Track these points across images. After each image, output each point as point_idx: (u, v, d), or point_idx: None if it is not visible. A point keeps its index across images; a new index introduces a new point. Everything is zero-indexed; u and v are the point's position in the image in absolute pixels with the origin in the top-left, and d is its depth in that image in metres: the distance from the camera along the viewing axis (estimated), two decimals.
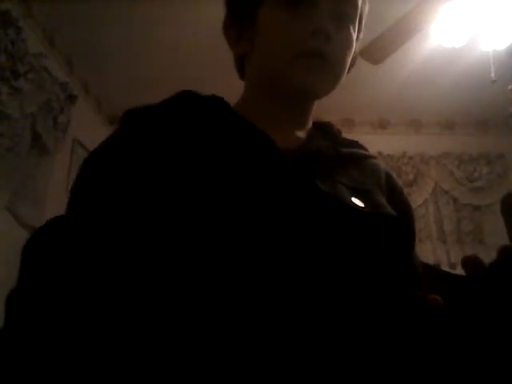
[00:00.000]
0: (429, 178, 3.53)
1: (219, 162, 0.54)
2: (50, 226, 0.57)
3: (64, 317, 0.49)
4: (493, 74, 2.16)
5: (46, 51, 2.49)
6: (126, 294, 0.50)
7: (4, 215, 2.21)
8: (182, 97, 0.63)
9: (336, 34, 0.60)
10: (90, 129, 3.19)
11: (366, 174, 0.65)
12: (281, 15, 0.60)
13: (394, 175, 0.72)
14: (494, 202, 3.39)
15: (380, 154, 3.54)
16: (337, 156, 0.64)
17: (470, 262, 0.39)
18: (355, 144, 0.71)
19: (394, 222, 0.61)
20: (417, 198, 3.48)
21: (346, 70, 0.66)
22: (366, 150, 0.71)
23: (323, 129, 0.70)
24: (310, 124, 0.70)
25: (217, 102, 0.63)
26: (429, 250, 3.39)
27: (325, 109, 3.63)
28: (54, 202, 2.54)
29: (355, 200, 0.57)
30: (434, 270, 0.42)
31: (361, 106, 3.41)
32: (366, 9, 0.68)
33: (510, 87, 2.48)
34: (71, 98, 2.71)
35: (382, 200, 0.62)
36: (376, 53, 2.26)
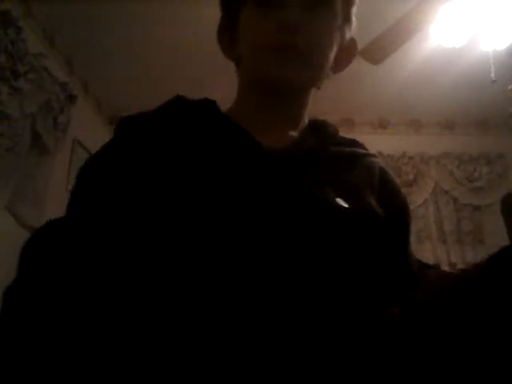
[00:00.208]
0: (429, 178, 3.53)
1: (207, 164, 0.55)
2: (48, 227, 0.58)
3: (60, 315, 0.49)
4: (493, 74, 2.16)
5: (45, 51, 2.49)
6: (121, 292, 0.50)
7: (4, 215, 2.21)
8: (174, 103, 0.65)
9: (308, 23, 0.60)
10: (90, 129, 3.19)
11: (359, 172, 0.64)
12: (253, 15, 0.63)
13: (391, 173, 0.70)
14: (493, 202, 3.39)
15: (380, 153, 3.54)
16: (328, 155, 0.64)
17: None
18: (353, 143, 0.71)
19: (383, 221, 0.59)
20: (417, 198, 3.48)
21: (329, 57, 0.65)
22: (364, 148, 0.71)
23: (318, 127, 0.70)
24: (304, 122, 0.70)
25: (207, 105, 0.65)
26: (429, 250, 3.39)
27: (325, 109, 3.63)
28: (54, 202, 2.54)
29: (339, 200, 0.56)
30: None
31: (361, 105, 3.41)
32: None
33: (510, 87, 2.48)
34: (71, 98, 2.72)
35: (370, 200, 0.61)
36: (376, 53, 2.26)
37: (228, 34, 0.69)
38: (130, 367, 0.47)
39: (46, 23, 2.51)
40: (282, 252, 0.51)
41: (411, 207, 3.19)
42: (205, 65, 2.69)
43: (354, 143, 0.71)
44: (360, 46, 2.53)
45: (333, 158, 0.64)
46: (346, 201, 0.57)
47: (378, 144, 3.56)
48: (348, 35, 0.69)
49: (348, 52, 0.70)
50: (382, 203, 0.62)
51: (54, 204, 2.54)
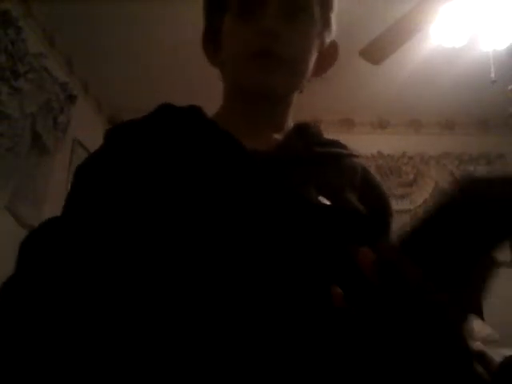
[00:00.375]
0: (429, 178, 3.53)
1: (195, 168, 0.57)
2: (45, 225, 0.58)
3: (56, 314, 0.50)
4: (493, 74, 2.16)
5: (45, 51, 2.49)
6: (113, 290, 0.51)
7: (4, 215, 2.21)
8: (161, 110, 0.67)
9: (287, 31, 0.62)
10: (89, 129, 3.19)
11: (341, 172, 0.66)
12: (235, 23, 0.64)
13: (372, 173, 0.72)
14: None
15: (380, 153, 3.54)
16: (311, 156, 0.66)
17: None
18: (336, 143, 0.72)
19: (365, 218, 0.61)
20: (417, 198, 3.49)
21: (309, 63, 0.67)
22: (346, 149, 0.72)
23: (302, 130, 0.71)
24: (288, 125, 0.71)
25: (194, 112, 0.66)
26: None
27: (325, 109, 3.62)
28: (54, 202, 2.54)
29: (322, 199, 0.58)
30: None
31: (361, 105, 3.41)
32: (334, 0, 0.69)
33: (510, 87, 2.48)
34: (71, 98, 2.72)
35: (352, 198, 0.62)
36: (376, 53, 2.26)
37: (212, 42, 0.71)
38: (122, 365, 0.48)
39: (46, 23, 2.51)
40: (266, 249, 0.52)
41: (411, 207, 3.22)
42: (205, 65, 2.68)
43: (337, 144, 0.72)
44: (360, 46, 2.53)
45: (316, 158, 0.66)
46: (328, 199, 0.58)
47: (377, 144, 3.57)
48: (328, 40, 0.71)
49: (329, 56, 0.72)
50: (364, 201, 0.63)
51: (54, 204, 2.54)
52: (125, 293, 0.51)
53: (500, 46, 2.11)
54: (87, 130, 3.11)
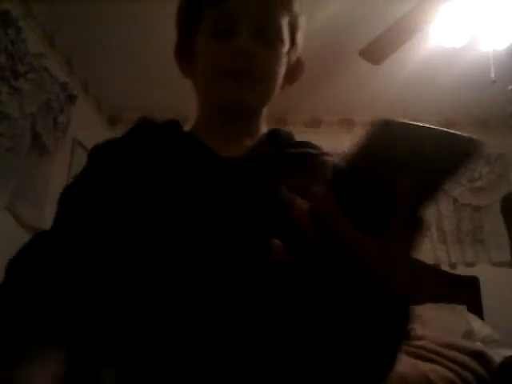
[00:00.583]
0: None
1: (173, 176, 0.64)
2: (31, 242, 0.64)
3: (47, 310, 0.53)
4: (493, 74, 2.16)
5: (45, 51, 2.49)
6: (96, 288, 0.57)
7: (4, 215, 2.21)
8: (139, 126, 0.73)
9: (260, 51, 0.67)
10: (89, 129, 3.19)
11: (311, 170, 0.70)
12: (209, 41, 0.69)
13: None
14: (493, 202, 3.39)
15: None
16: (281, 157, 0.70)
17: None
18: (306, 144, 0.77)
19: None
20: None
21: (278, 80, 0.72)
22: (317, 149, 0.77)
23: (274, 134, 0.76)
24: (261, 132, 0.76)
25: (171, 126, 0.73)
26: (429, 250, 3.39)
27: (325, 109, 3.62)
28: (54, 202, 2.54)
29: (290, 195, 0.62)
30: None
31: (361, 106, 3.41)
32: (300, 21, 0.74)
33: (510, 87, 2.48)
34: (71, 98, 2.72)
35: None
36: (376, 53, 2.26)
37: (185, 56, 0.76)
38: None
39: (46, 23, 2.51)
40: (225, 222, 0.60)
41: None
42: None
43: (307, 145, 0.77)
44: (360, 46, 2.53)
45: (286, 159, 0.71)
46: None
47: None
48: (294, 57, 0.76)
49: (295, 71, 0.77)
50: None
51: (54, 204, 2.54)
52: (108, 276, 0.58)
53: (500, 45, 2.11)
54: (87, 130, 3.11)
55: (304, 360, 0.55)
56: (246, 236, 0.59)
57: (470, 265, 3.37)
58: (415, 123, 0.38)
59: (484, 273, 3.28)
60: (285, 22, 0.71)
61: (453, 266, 3.37)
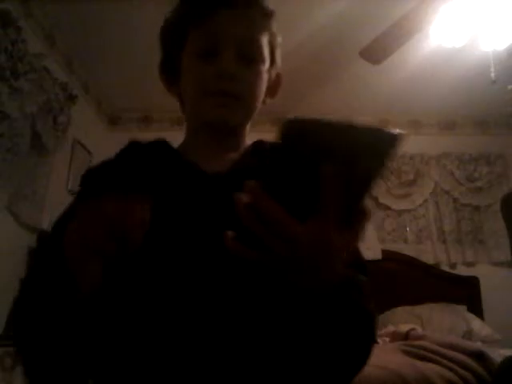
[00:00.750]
0: (429, 178, 3.53)
1: (160, 193, 0.67)
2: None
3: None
4: (493, 74, 2.16)
5: (46, 51, 2.49)
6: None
7: (4, 215, 2.21)
8: (129, 148, 0.76)
9: (242, 73, 0.71)
10: (89, 129, 3.19)
11: None
12: (194, 62, 0.73)
13: None
14: (493, 202, 3.39)
15: None
16: (263, 169, 0.72)
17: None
18: None
19: None
20: (417, 198, 3.49)
21: (260, 97, 0.76)
22: None
23: (257, 146, 0.79)
24: (244, 146, 0.80)
25: (159, 145, 0.77)
26: (429, 250, 3.39)
27: (325, 109, 3.61)
28: (54, 202, 2.54)
29: None
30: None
31: (361, 106, 3.41)
32: (278, 39, 0.79)
33: (509, 87, 2.48)
34: (71, 98, 2.72)
35: None
36: (376, 53, 2.26)
37: (169, 74, 0.80)
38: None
39: (46, 23, 2.51)
40: (205, 230, 0.63)
41: (411, 207, 3.22)
42: None
43: None
44: (360, 46, 2.53)
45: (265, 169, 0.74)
46: None
47: None
48: (274, 73, 0.80)
49: (276, 86, 0.82)
50: None
51: (54, 204, 2.54)
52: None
53: (500, 45, 2.11)
54: (87, 130, 3.11)
55: (264, 350, 0.59)
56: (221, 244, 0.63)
57: (470, 265, 3.37)
58: (324, 118, 0.41)
59: (484, 273, 3.28)
60: (265, 41, 0.75)
61: (453, 266, 3.37)
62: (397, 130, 0.42)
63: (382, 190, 3.47)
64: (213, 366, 0.58)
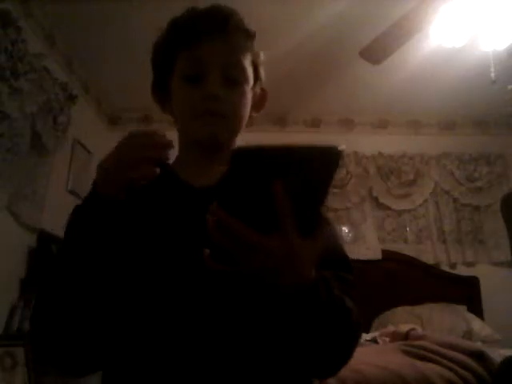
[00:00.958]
0: (429, 178, 3.53)
1: (151, 208, 0.74)
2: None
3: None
4: (493, 74, 2.16)
5: (46, 51, 2.49)
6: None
7: (4, 215, 2.21)
8: None
9: (227, 94, 0.76)
10: (89, 129, 3.19)
11: None
12: (182, 84, 0.78)
13: None
14: (494, 202, 3.39)
15: (380, 154, 3.54)
16: (220, 191, 0.77)
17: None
18: None
19: None
20: (417, 198, 3.49)
21: (246, 114, 0.81)
22: None
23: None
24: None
25: None
26: (429, 250, 3.39)
27: (325, 109, 3.60)
28: (54, 202, 2.54)
29: None
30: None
31: (361, 106, 3.41)
32: (260, 57, 0.84)
33: (510, 87, 2.48)
34: (71, 98, 2.72)
35: None
36: (376, 53, 2.26)
37: (162, 94, 0.84)
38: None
39: (46, 23, 2.51)
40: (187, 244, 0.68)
41: (411, 207, 3.22)
42: None
43: None
44: (360, 46, 2.52)
45: None
46: None
47: (377, 144, 3.57)
48: (258, 89, 0.85)
49: (261, 100, 0.87)
50: None
51: (54, 204, 2.54)
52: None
53: (500, 45, 2.11)
54: (87, 130, 3.11)
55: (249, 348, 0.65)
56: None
57: (470, 265, 3.37)
58: (266, 145, 0.46)
59: (484, 273, 3.28)
60: (248, 63, 0.80)
61: (453, 266, 3.37)
62: (331, 144, 0.47)
63: (382, 190, 3.47)
64: (201, 364, 0.63)
